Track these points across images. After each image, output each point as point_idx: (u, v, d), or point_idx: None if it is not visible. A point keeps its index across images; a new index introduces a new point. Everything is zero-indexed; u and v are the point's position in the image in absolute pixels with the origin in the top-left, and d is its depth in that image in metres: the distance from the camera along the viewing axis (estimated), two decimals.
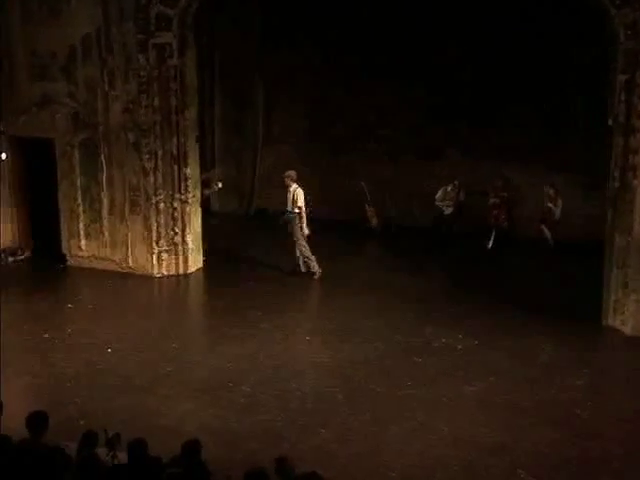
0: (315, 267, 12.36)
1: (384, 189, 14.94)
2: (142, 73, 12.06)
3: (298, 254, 12.43)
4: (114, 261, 12.78)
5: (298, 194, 12.33)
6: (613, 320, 10.61)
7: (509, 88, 13.95)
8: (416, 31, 14.04)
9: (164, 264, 12.65)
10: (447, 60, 14.14)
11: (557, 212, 13.94)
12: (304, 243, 12.36)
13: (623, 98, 10.11)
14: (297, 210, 12.30)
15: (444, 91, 14.32)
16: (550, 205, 13.94)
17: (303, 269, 12.46)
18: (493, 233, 14.08)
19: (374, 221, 15.12)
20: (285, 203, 12.45)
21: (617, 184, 10.40)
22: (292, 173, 12.47)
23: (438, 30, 13.92)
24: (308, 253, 12.37)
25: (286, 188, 12.43)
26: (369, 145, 15.09)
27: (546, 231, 14.01)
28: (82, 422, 7.92)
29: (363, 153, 15.09)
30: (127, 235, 12.65)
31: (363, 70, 14.61)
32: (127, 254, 12.70)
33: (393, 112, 14.78)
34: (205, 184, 13.46)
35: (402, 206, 14.93)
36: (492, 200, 14.33)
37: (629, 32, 9.96)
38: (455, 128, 14.39)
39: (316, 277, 12.35)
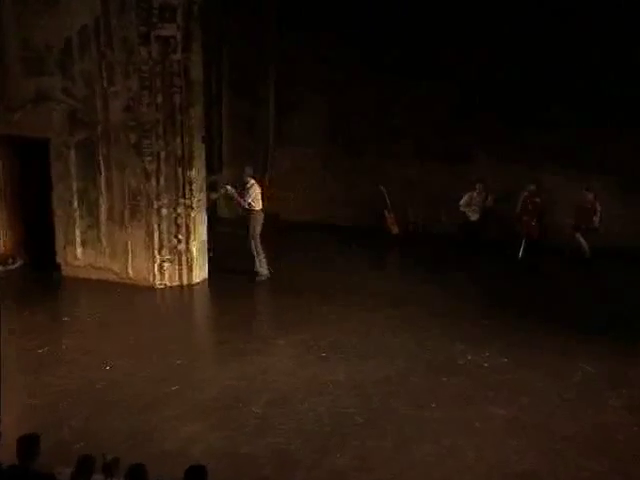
0: (263, 268, 12.84)
1: (409, 193, 15.04)
2: (144, 68, 12.14)
3: (259, 255, 12.85)
4: (113, 271, 12.86)
5: (255, 190, 12.72)
6: None
7: (541, 87, 14.03)
8: (447, 26, 14.17)
9: (167, 274, 12.72)
10: (477, 58, 14.22)
11: (596, 219, 13.92)
12: (258, 241, 12.81)
13: None
14: (255, 206, 12.76)
15: (473, 90, 14.42)
16: (592, 211, 13.91)
17: (259, 271, 12.87)
18: (523, 242, 14.09)
19: (394, 229, 15.22)
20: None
21: None
22: (248, 169, 13.02)
23: (470, 26, 14.03)
24: (260, 251, 12.81)
25: (244, 184, 12.86)
26: (394, 146, 15.20)
27: (581, 239, 13.99)
28: (78, 446, 7.96)
29: (387, 155, 15.21)
30: (127, 243, 12.72)
31: (388, 65, 14.71)
32: (127, 263, 12.77)
33: (419, 111, 14.87)
34: (212, 188, 13.56)
35: (428, 212, 15.05)
36: (522, 206, 14.36)
37: None
38: (484, 129, 14.47)
39: (261, 279, 12.80)
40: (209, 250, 13.18)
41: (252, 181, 12.91)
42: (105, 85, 12.42)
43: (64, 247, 13.11)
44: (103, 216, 12.81)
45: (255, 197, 12.84)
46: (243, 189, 12.86)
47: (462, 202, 14.67)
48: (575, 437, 8.49)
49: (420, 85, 14.64)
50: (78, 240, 12.96)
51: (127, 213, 12.66)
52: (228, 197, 13.50)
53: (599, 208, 13.91)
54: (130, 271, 12.78)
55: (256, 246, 12.90)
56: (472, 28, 14.03)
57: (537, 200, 14.28)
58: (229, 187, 12.95)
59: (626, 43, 13.23)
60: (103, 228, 12.83)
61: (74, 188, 12.83)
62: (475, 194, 14.62)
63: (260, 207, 12.94)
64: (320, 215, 15.63)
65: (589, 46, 13.48)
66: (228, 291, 12.71)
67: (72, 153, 12.74)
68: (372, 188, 15.07)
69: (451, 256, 14.21)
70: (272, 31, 15.33)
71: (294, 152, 15.81)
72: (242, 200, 12.81)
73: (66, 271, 13.12)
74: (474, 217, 14.68)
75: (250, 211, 12.86)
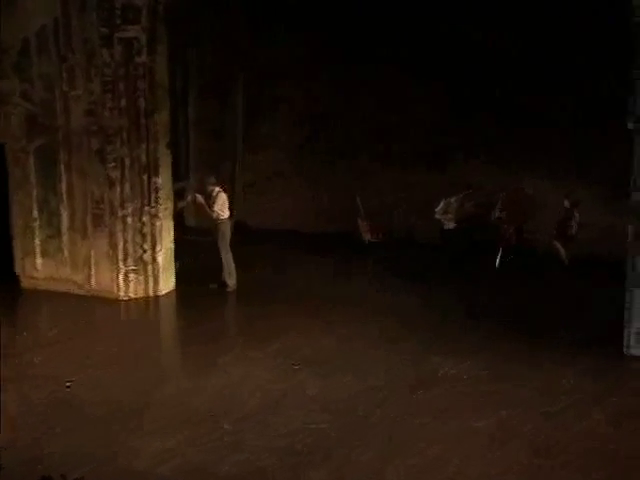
0: (232, 279, 12.90)
1: (388, 200, 15.14)
2: (106, 71, 12.17)
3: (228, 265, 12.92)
4: (75, 282, 12.83)
5: (221, 198, 12.84)
6: (636, 348, 10.73)
7: (524, 91, 14.22)
8: (428, 21, 14.25)
9: (132, 285, 12.73)
10: (458, 58, 14.39)
11: (574, 226, 14.15)
12: (228, 251, 12.90)
13: None
14: (222, 215, 12.86)
15: (453, 92, 14.57)
16: (566, 219, 14.15)
17: (227, 281, 12.95)
18: (501, 250, 14.25)
19: (367, 237, 15.33)
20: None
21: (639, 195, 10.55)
22: (211, 178, 13.06)
23: (457, 25, 14.14)
24: (230, 261, 12.90)
25: (209, 194, 12.90)
26: (371, 152, 15.30)
27: (560, 248, 14.20)
28: (39, 466, 7.93)
29: (365, 160, 15.30)
30: (90, 253, 12.72)
31: (367, 67, 14.79)
32: (90, 274, 12.76)
33: (398, 115, 14.98)
34: (178, 195, 13.58)
35: (407, 220, 15.15)
36: (499, 214, 14.54)
37: None
38: (462, 132, 14.63)
39: (230, 290, 12.91)
40: (176, 260, 13.20)
41: (217, 189, 12.98)
42: (65, 88, 12.40)
43: (22, 258, 13.07)
44: (64, 225, 12.79)
45: (222, 205, 12.91)
46: (209, 198, 12.93)
47: (438, 209, 14.79)
48: (559, 451, 8.58)
49: (399, 87, 14.75)
50: (38, 250, 12.92)
51: (90, 222, 12.64)
52: (196, 206, 13.51)
53: (577, 215, 14.13)
54: (93, 283, 12.76)
55: (225, 256, 12.97)
56: (459, 28, 14.18)
57: (515, 207, 14.49)
58: (199, 196, 12.98)
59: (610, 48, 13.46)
60: (64, 238, 12.81)
61: (33, 196, 12.80)
62: (453, 200, 14.75)
63: (228, 215, 13.02)
64: (292, 222, 15.71)
65: (577, 49, 13.71)
66: (197, 302, 12.72)
67: (31, 159, 12.73)
68: (348, 194, 15.16)
69: (429, 265, 14.32)
70: (241, 31, 15.38)
71: (265, 157, 15.86)
72: (210, 209, 12.87)
73: (25, 283, 13.08)
74: (449, 225, 14.79)
75: (218, 220, 12.94)
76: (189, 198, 13.78)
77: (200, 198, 12.95)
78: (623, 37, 10.82)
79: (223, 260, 12.95)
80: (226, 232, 12.95)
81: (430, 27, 14.30)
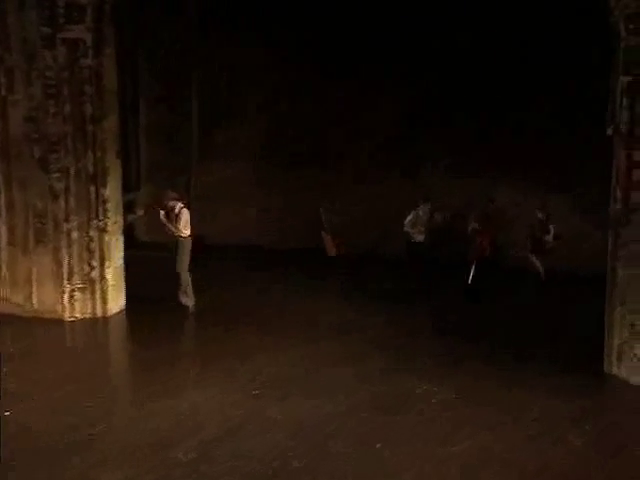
0: (190, 298, 12.90)
1: (353, 212, 15.20)
2: (49, 74, 12.05)
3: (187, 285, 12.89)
4: (14, 302, 12.65)
5: (185, 215, 12.77)
6: (617, 367, 10.80)
7: (497, 97, 14.37)
8: (393, 25, 14.40)
9: (78, 305, 12.62)
10: (429, 61, 14.52)
11: (549, 239, 14.30)
12: (186, 270, 12.86)
13: (625, 104, 10.31)
14: (185, 233, 12.76)
15: (419, 100, 14.67)
16: (540, 232, 14.30)
17: (184, 301, 12.96)
18: (474, 265, 14.34)
19: (332, 251, 15.38)
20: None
21: (619, 205, 10.58)
22: (171, 193, 12.99)
23: (420, 24, 14.28)
24: (188, 281, 12.92)
25: (169, 210, 12.80)
26: (336, 161, 15.35)
27: (536, 262, 14.34)
28: None
29: (329, 170, 15.36)
30: (31, 270, 12.57)
31: (331, 72, 14.88)
32: (31, 293, 12.61)
33: (362, 123, 15.06)
34: (128, 208, 13.51)
35: (373, 233, 15.20)
36: (472, 226, 14.65)
37: (631, 26, 10.13)
38: (433, 141, 14.74)
39: (190, 310, 12.87)
40: (126, 278, 13.08)
41: (179, 204, 12.87)
42: (3, 93, 12.25)
43: None
44: (3, 240, 12.62)
45: (186, 222, 12.81)
46: (168, 213, 12.79)
47: (407, 222, 14.85)
48: (534, 477, 8.60)
49: (366, 94, 14.84)
50: None
51: (31, 237, 12.49)
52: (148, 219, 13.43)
53: (552, 228, 14.28)
54: (35, 302, 12.60)
55: (183, 274, 12.88)
56: (427, 32, 14.32)
57: (489, 219, 14.61)
58: (162, 212, 12.84)
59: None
60: (3, 254, 12.64)
61: None
62: (421, 213, 14.83)
63: (189, 233, 12.93)
64: (253, 237, 15.70)
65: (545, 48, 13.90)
66: (149, 323, 12.63)
67: None
68: (311, 207, 15.20)
69: (396, 280, 14.41)
70: (194, 32, 15.38)
71: (223, 167, 15.86)
72: (172, 226, 12.78)
73: None
74: (419, 238, 14.86)
75: (180, 237, 12.83)
76: (140, 212, 13.70)
77: (163, 215, 12.82)
78: (599, 43, 11.02)
79: (181, 278, 12.86)
80: (187, 249, 12.87)
81: (396, 31, 14.43)
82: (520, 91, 14.31)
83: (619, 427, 9.73)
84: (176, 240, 12.90)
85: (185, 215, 12.85)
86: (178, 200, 12.99)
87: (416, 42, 14.41)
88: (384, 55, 14.60)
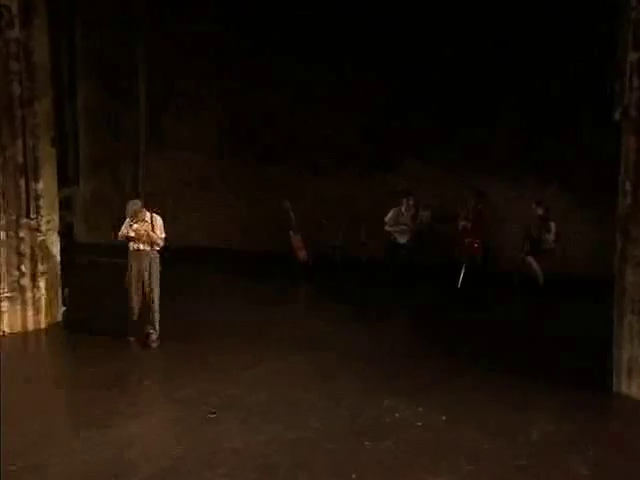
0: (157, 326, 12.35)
1: (324, 210, 15.18)
2: None
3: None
4: None
5: (159, 221, 12.29)
6: (627, 385, 10.77)
7: (485, 84, 14.41)
8: (362, 15, 14.51)
9: (5, 317, 12.53)
10: (405, 44, 14.54)
11: (549, 239, 14.31)
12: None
13: (635, 84, 10.31)
14: (159, 244, 12.24)
15: (401, 83, 14.71)
16: (539, 230, 14.31)
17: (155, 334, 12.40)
18: (464, 267, 14.35)
19: (302, 254, 15.34)
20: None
21: (629, 201, 10.57)
22: (134, 203, 12.36)
23: (396, 13, 14.35)
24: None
25: (139, 221, 12.20)
26: (305, 154, 15.33)
27: (534, 264, 14.35)
28: None
29: (297, 164, 15.34)
30: None
31: (297, 55, 14.91)
32: None
33: (335, 111, 15.06)
34: (66, 205, 13.40)
35: (347, 233, 15.19)
36: (463, 224, 14.66)
37: None
38: (415, 130, 14.74)
39: (155, 343, 12.33)
40: (63, 286, 13.02)
41: (148, 213, 12.26)
42: None
43: None
44: None
45: (162, 227, 12.31)
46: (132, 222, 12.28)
47: (387, 220, 14.86)
48: None
49: (338, 81, 14.84)
50: None
51: None
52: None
53: (553, 226, 14.30)
54: None
55: (157, 291, 12.35)
56: (399, 23, 14.44)
57: (479, 215, 14.62)
58: (135, 225, 12.30)
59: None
60: None
61: None
62: (403, 210, 14.83)
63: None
64: (212, 239, 15.65)
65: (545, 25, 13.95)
66: (89, 338, 12.55)
67: None
68: (277, 205, 15.17)
69: (375, 288, 14.41)
70: (140, 4, 15.32)
71: (176, 159, 15.83)
72: (157, 237, 12.28)
73: None
74: (402, 239, 14.88)
75: (151, 249, 12.28)
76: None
77: (139, 226, 12.22)
78: (586, 31, 11.07)
79: (155, 301, 12.37)
80: (159, 263, 12.42)
81: (365, 21, 14.51)
82: (513, 74, 14.35)
83: (629, 454, 9.70)
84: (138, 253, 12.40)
85: (160, 221, 12.34)
86: (143, 208, 12.39)
87: (391, 30, 14.46)
88: (358, 43, 14.63)
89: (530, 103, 14.47)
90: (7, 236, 12.43)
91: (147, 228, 12.20)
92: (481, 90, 14.51)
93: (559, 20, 13.77)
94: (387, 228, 14.88)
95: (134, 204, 12.32)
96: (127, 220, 12.21)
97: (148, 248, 12.23)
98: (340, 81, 14.93)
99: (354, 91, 14.95)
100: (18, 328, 12.61)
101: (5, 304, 12.51)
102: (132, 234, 12.16)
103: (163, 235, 12.29)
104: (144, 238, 12.19)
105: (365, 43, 14.68)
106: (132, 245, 12.22)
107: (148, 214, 12.31)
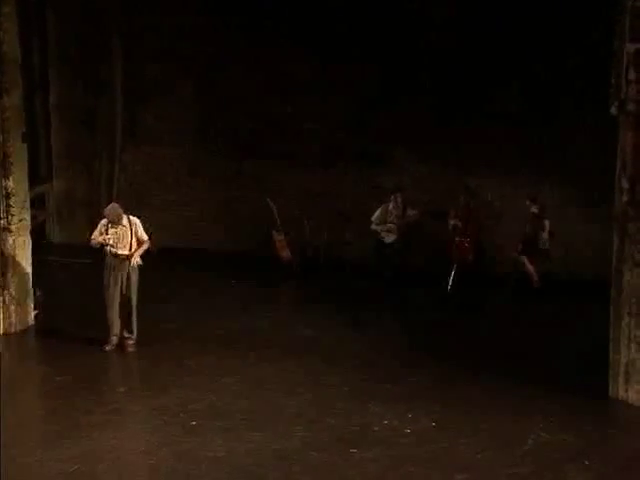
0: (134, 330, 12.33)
1: (307, 207, 15.16)
2: None
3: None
4: None
5: (138, 224, 12.23)
6: (624, 390, 10.80)
7: (479, 74, 14.42)
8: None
9: None
10: (394, 31, 14.53)
11: (543, 238, 14.32)
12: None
13: (633, 76, 10.29)
14: (144, 247, 12.21)
15: (390, 72, 14.69)
16: (534, 228, 14.33)
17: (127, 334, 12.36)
18: (454, 269, 14.35)
19: (286, 254, 15.31)
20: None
21: (625, 198, 10.59)
22: (116, 205, 12.30)
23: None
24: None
25: (117, 226, 12.14)
26: (287, 147, 15.30)
27: (528, 265, 14.35)
28: None
29: (278, 157, 15.30)
30: None
31: (278, 42, 14.85)
32: None
33: (318, 102, 15.03)
34: (38, 204, 13.35)
35: (332, 231, 15.15)
36: (453, 222, 14.66)
37: None
38: (404, 122, 14.72)
39: (131, 347, 12.31)
40: (35, 288, 12.97)
41: (126, 216, 12.18)
42: None
43: None
44: None
45: (143, 228, 12.29)
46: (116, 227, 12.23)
47: (374, 218, 14.83)
48: None
49: (322, 68, 14.82)
50: None
51: None
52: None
53: (548, 224, 14.31)
54: None
55: (134, 299, 12.29)
56: (391, 10, 14.42)
57: (471, 215, 14.63)
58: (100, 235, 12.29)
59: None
60: None
61: None
62: (391, 207, 14.81)
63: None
64: (188, 238, 15.60)
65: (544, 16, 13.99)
66: (62, 343, 12.50)
67: None
68: (258, 201, 15.12)
69: (362, 290, 14.38)
70: None
71: (151, 153, 15.79)
72: (149, 242, 12.23)
73: None
74: (390, 238, 14.86)
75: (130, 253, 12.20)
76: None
77: (117, 230, 12.11)
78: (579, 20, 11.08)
79: (133, 306, 12.33)
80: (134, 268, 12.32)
81: (351, 6, 14.55)
82: (495, 72, 14.39)
83: (627, 462, 9.73)
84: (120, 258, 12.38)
85: (138, 220, 12.30)
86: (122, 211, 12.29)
87: (379, 16, 14.48)
88: (343, 28, 14.64)
89: (526, 94, 14.45)
90: None
91: (124, 232, 12.13)
92: (475, 79, 14.48)
93: (555, 14, 13.75)
94: (373, 227, 14.83)
95: (114, 209, 12.25)
96: (101, 224, 12.15)
97: (127, 252, 12.17)
98: (323, 67, 14.86)
99: (338, 79, 14.88)
100: None
101: None
102: (110, 240, 12.09)
103: (146, 237, 12.24)
104: (124, 242, 12.14)
105: (351, 27, 14.60)
106: (109, 250, 12.15)
107: (125, 218, 12.26)
